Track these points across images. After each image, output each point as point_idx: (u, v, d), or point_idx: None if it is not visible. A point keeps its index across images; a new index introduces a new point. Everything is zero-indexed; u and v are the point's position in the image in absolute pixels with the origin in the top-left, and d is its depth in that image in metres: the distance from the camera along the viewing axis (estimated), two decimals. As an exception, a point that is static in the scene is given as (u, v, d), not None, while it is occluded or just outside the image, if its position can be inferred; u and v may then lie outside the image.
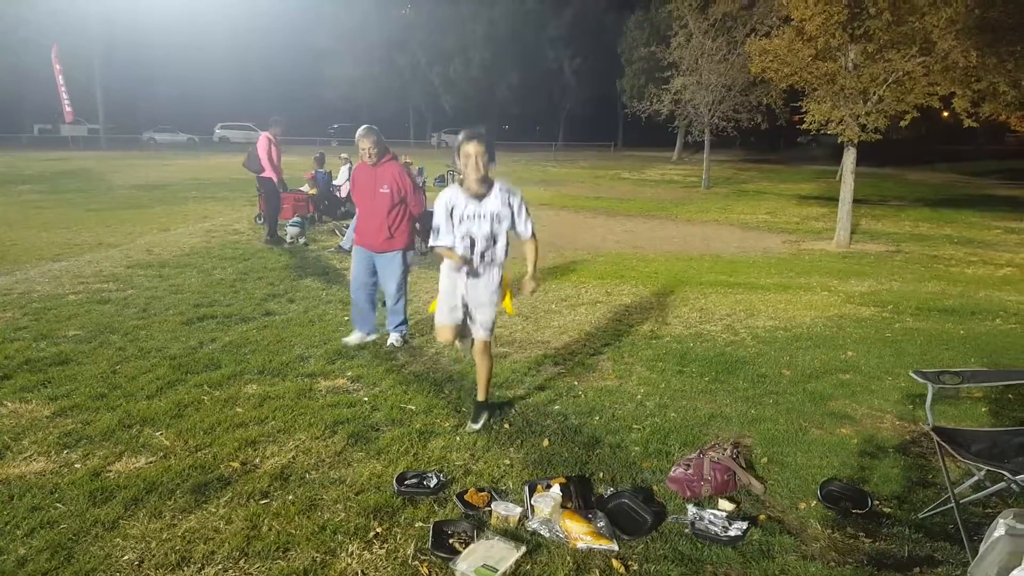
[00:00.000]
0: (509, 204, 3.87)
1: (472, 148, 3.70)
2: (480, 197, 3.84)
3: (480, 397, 4.15)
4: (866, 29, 11.29)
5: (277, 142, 10.21)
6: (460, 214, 3.85)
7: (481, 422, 4.05)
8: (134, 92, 46.71)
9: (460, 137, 3.77)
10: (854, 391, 4.86)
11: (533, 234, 3.98)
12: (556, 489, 3.14)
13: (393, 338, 5.62)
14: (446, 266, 4.06)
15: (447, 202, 3.88)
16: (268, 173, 10.13)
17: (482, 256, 3.90)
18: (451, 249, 3.90)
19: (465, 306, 4.02)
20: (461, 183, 3.89)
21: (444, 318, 4.08)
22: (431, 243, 4.00)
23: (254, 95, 48.89)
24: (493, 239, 3.88)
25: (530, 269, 4.03)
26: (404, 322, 5.70)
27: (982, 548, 2.31)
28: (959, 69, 11.31)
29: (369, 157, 5.33)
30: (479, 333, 4.04)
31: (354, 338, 5.60)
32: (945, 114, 16.08)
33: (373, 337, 5.66)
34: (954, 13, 10.70)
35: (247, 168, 10.44)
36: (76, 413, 4.05)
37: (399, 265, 5.51)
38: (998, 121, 15.39)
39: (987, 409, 4.59)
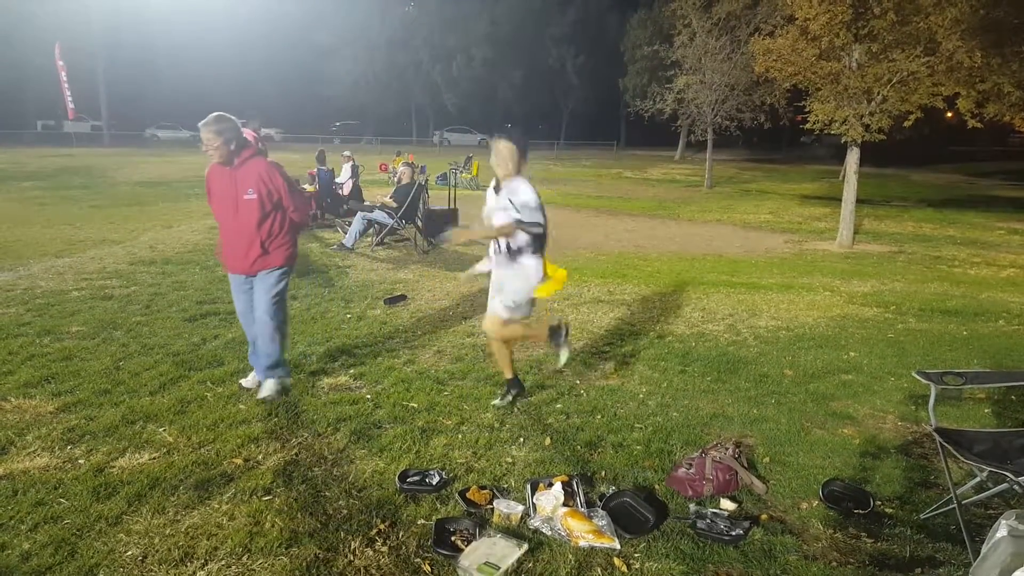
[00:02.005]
0: (511, 201, 3.98)
1: (499, 145, 4.00)
2: (498, 191, 4.07)
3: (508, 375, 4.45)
4: (870, 29, 11.29)
5: (260, 138, 10.23)
6: (490, 206, 4.10)
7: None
8: (138, 89, 46.68)
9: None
10: (856, 391, 4.86)
11: (518, 222, 3.96)
12: (558, 487, 3.15)
13: (267, 388, 4.34)
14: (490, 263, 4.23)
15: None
16: None
17: (501, 245, 4.07)
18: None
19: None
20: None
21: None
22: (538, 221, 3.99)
23: (257, 92, 48.88)
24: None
25: (477, 227, 4.30)
26: (280, 364, 4.41)
27: (984, 549, 2.31)
28: (963, 69, 11.30)
29: (218, 156, 4.05)
30: (496, 308, 4.20)
31: (251, 379, 4.54)
32: (949, 115, 16.05)
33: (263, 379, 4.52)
34: (959, 13, 10.68)
35: None
36: (80, 409, 4.06)
37: (272, 284, 4.29)
38: (1002, 122, 15.37)
39: (990, 410, 4.59)
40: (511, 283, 4.12)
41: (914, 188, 26.51)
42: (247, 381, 4.51)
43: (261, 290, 4.32)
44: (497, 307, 4.19)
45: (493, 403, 4.33)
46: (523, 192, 3.96)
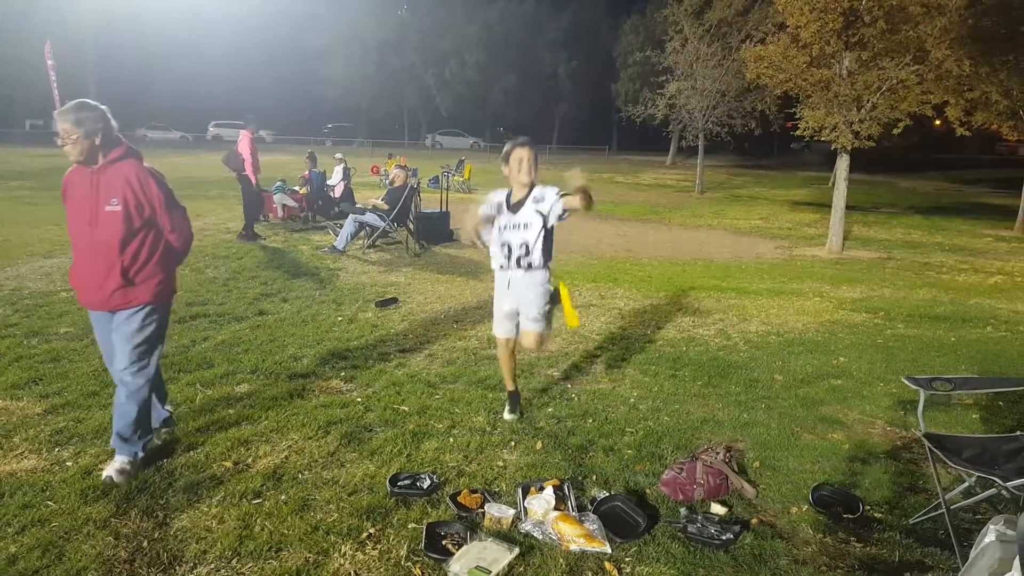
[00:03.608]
0: (540, 213, 3.90)
1: (525, 152, 3.85)
2: (516, 206, 3.94)
3: (509, 387, 4.31)
4: (860, 37, 11.39)
5: (254, 140, 10.56)
6: (501, 224, 3.96)
7: (517, 412, 4.26)
8: (130, 89, 46.42)
9: (508, 146, 3.93)
10: (846, 397, 4.89)
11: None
12: (549, 491, 3.15)
13: (114, 466, 3.27)
14: (497, 279, 4.14)
15: (492, 206, 4.00)
16: (249, 172, 10.48)
17: (518, 261, 3.97)
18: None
19: (516, 310, 4.11)
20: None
21: (500, 330, 4.18)
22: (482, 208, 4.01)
23: (250, 94, 48.79)
24: (526, 246, 3.93)
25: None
26: (138, 436, 3.35)
27: (972, 554, 2.32)
28: (952, 78, 11.43)
29: (77, 153, 3.21)
30: (529, 325, 4.10)
31: (114, 468, 3.27)
32: (937, 122, 16.21)
33: (146, 441, 3.44)
34: (948, 22, 10.80)
35: (227, 164, 10.57)
36: (68, 411, 4.03)
37: (135, 329, 3.30)
38: (989, 130, 15.53)
39: (978, 416, 4.62)
40: (532, 295, 4.04)
41: (903, 195, 26.71)
42: (111, 471, 3.26)
43: (120, 337, 3.31)
44: (529, 325, 4.10)
45: (505, 416, 4.23)
46: (550, 193, 3.90)
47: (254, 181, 10.43)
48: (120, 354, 3.31)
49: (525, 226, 3.92)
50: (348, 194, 13.70)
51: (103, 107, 3.26)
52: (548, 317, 4.18)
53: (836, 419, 4.46)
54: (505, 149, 3.94)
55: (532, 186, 3.95)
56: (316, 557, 2.74)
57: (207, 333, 5.69)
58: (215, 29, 46.28)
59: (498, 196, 4.03)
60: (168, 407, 3.81)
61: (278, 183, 12.94)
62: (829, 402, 4.76)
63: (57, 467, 3.37)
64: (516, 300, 4.07)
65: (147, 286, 3.33)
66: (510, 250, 3.96)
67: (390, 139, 50.90)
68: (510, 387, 4.31)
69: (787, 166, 42.60)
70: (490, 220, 4.00)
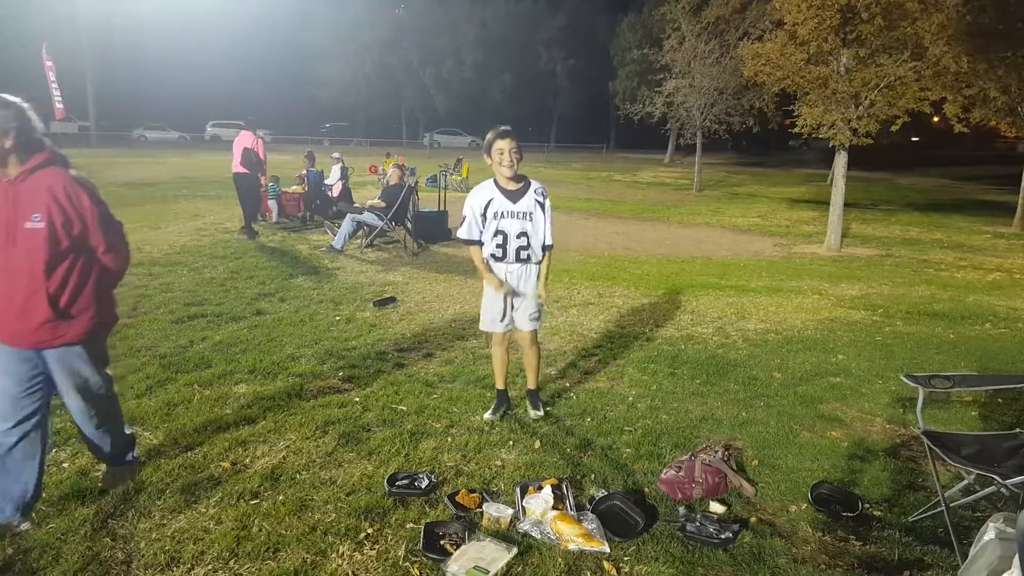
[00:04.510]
0: (540, 204, 3.95)
1: (506, 144, 3.81)
2: (514, 195, 3.92)
3: (531, 385, 4.33)
4: (858, 34, 11.38)
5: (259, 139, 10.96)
6: (495, 211, 3.92)
7: (540, 409, 4.26)
8: (128, 89, 46.31)
9: (490, 135, 3.88)
10: (844, 394, 4.88)
11: (550, 244, 4.07)
12: (548, 491, 3.14)
13: (110, 478, 3.22)
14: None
15: (483, 198, 3.94)
16: (262, 173, 11.00)
17: (516, 253, 3.96)
18: (479, 245, 4.00)
19: (512, 304, 4.10)
20: (495, 181, 3.98)
21: (493, 325, 4.15)
22: (459, 235, 4.05)
23: (248, 93, 48.67)
24: (526, 236, 3.94)
25: (541, 278, 4.08)
26: (127, 448, 3.30)
27: (972, 552, 2.32)
28: (950, 74, 11.40)
29: None
30: (525, 324, 4.12)
31: (108, 478, 3.18)
32: (935, 119, 16.20)
33: (14, 522, 2.84)
34: (945, 19, 10.79)
35: (246, 167, 10.59)
36: (64, 411, 3.97)
37: (80, 364, 2.93)
38: (988, 126, 15.53)
39: (977, 413, 4.62)
40: (530, 289, 4.04)
41: (901, 192, 26.71)
42: None
43: (64, 378, 2.91)
44: (528, 324, 4.10)
45: (485, 416, 4.19)
46: (547, 203, 4.01)
47: (264, 182, 10.84)
48: (72, 396, 2.97)
49: (527, 215, 3.92)
50: (346, 193, 13.68)
51: (21, 103, 2.69)
52: (540, 315, 4.20)
53: (835, 417, 4.45)
54: (488, 138, 3.89)
55: (526, 179, 3.97)
56: (314, 558, 2.73)
57: (205, 333, 5.68)
58: (212, 29, 46.15)
59: (483, 191, 3.97)
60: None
61: (270, 183, 12.93)
62: (828, 400, 4.75)
63: (54, 468, 3.36)
64: (515, 294, 4.06)
65: (81, 320, 2.86)
66: (505, 239, 3.93)
67: (388, 138, 50.89)
68: (500, 385, 4.30)
69: (785, 163, 42.58)
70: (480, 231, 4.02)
